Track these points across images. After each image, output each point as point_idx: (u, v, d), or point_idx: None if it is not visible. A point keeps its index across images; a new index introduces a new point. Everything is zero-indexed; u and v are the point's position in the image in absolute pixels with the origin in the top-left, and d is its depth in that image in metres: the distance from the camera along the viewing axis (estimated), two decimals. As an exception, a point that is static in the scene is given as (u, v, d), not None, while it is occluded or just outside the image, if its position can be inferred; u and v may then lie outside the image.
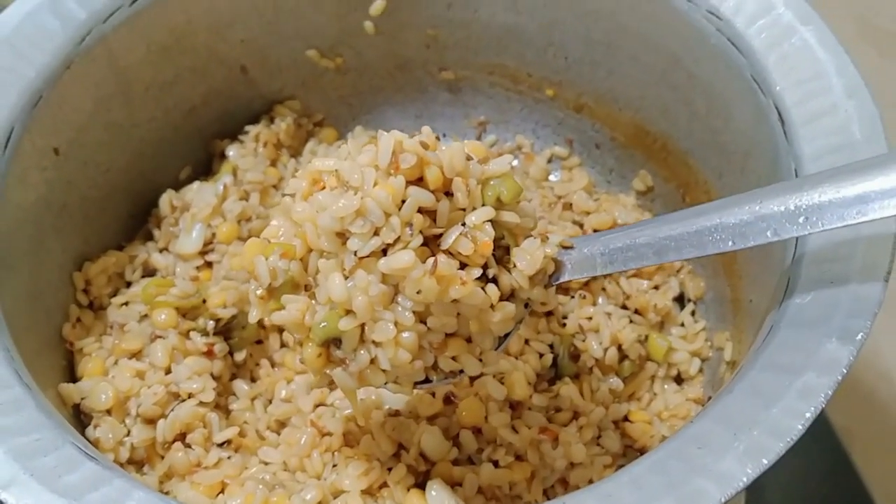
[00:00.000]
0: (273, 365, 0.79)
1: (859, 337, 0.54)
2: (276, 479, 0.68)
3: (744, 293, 0.75)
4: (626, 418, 0.76)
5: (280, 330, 0.80)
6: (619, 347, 0.76)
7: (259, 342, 0.79)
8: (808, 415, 0.52)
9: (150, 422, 0.70)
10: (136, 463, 0.70)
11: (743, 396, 0.54)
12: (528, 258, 0.55)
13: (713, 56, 0.74)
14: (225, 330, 0.76)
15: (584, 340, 0.75)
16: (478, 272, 0.54)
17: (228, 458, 0.70)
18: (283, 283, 0.56)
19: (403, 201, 0.53)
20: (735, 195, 0.56)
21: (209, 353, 0.73)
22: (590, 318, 0.76)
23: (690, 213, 0.57)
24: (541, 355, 0.72)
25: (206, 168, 0.90)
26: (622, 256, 0.58)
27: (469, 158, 0.55)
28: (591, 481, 0.70)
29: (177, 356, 0.73)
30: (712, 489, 0.50)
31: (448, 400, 0.70)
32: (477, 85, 0.93)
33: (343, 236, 0.54)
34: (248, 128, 0.90)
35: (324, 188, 0.55)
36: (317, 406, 0.74)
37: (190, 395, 0.71)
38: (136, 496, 0.53)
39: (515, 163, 0.93)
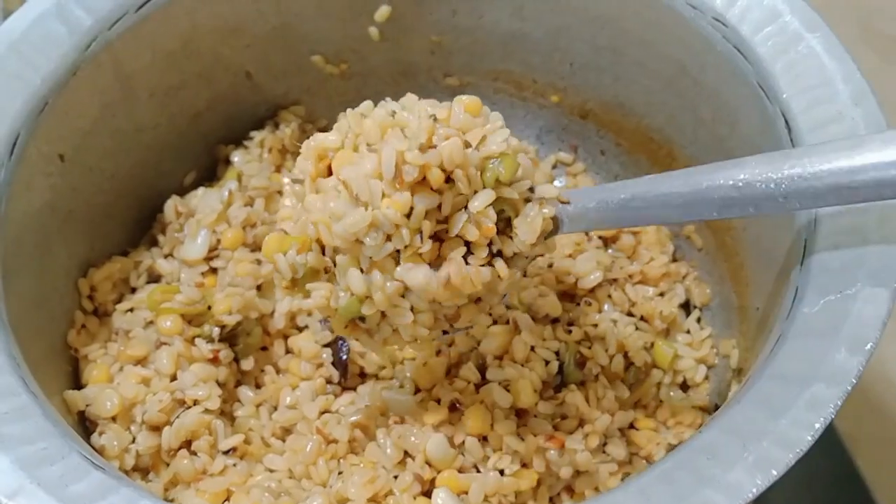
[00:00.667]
0: (278, 371, 0.79)
1: (868, 347, 0.54)
2: (282, 487, 0.68)
3: (750, 300, 0.75)
4: (631, 426, 0.76)
5: (285, 336, 0.80)
6: (625, 354, 0.76)
7: (264, 348, 0.79)
8: (817, 426, 0.52)
9: (156, 429, 0.70)
10: (142, 470, 0.70)
11: (751, 407, 0.54)
12: (528, 226, 0.58)
13: (719, 63, 0.74)
14: (230, 336, 0.76)
15: (589, 347, 0.74)
16: (484, 252, 0.58)
17: (234, 465, 0.70)
18: (304, 274, 0.60)
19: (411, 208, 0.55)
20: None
21: (215, 360, 0.73)
22: (595, 325, 0.76)
23: (692, 171, 0.58)
24: (546, 362, 0.72)
25: (210, 174, 0.90)
26: (614, 215, 0.60)
27: (467, 146, 0.56)
28: (596, 489, 0.70)
29: (182, 363, 0.72)
30: (721, 500, 0.50)
31: (453, 407, 0.70)
32: (481, 91, 0.93)
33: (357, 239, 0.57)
34: (252, 133, 0.89)
35: (329, 168, 0.59)
36: (322, 413, 0.74)
37: (195, 402, 0.71)
38: (142, 505, 0.53)
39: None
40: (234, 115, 0.90)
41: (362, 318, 0.60)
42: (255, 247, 0.81)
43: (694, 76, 0.77)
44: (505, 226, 0.59)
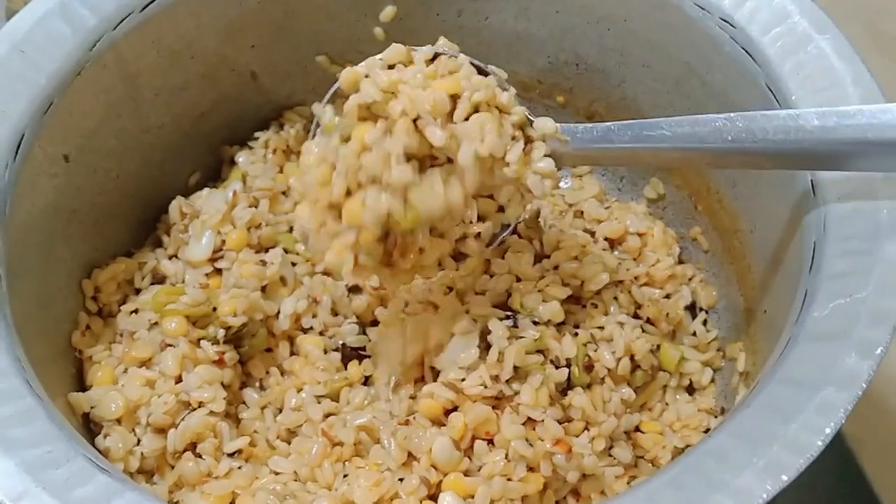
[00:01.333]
0: (283, 373, 0.78)
1: (878, 351, 0.54)
2: (287, 490, 0.67)
3: (757, 303, 0.75)
4: (637, 429, 0.76)
5: (290, 338, 0.80)
6: (632, 357, 0.75)
7: (269, 350, 0.79)
8: (827, 430, 0.51)
9: (161, 431, 0.69)
10: (146, 472, 0.70)
11: (761, 411, 0.54)
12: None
13: (727, 64, 0.73)
14: (235, 338, 0.75)
15: (596, 350, 0.74)
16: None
17: (239, 467, 0.69)
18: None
19: None
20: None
21: (220, 362, 0.73)
22: (601, 328, 0.76)
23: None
24: (556, 367, 0.72)
25: (215, 174, 0.90)
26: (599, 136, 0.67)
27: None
28: (602, 493, 0.70)
29: (187, 364, 0.72)
30: (731, 505, 0.49)
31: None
32: (487, 92, 0.92)
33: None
34: (257, 134, 0.89)
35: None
36: (327, 416, 0.73)
37: (200, 404, 0.70)
38: (148, 509, 0.53)
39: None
40: (239, 116, 0.89)
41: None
42: (260, 248, 0.81)
43: (701, 77, 0.77)
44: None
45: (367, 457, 0.70)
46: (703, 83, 0.77)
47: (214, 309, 0.75)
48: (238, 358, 0.75)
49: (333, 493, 0.67)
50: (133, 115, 0.80)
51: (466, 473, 0.67)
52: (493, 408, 0.68)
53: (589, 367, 0.73)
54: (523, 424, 0.68)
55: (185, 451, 0.69)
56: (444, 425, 0.68)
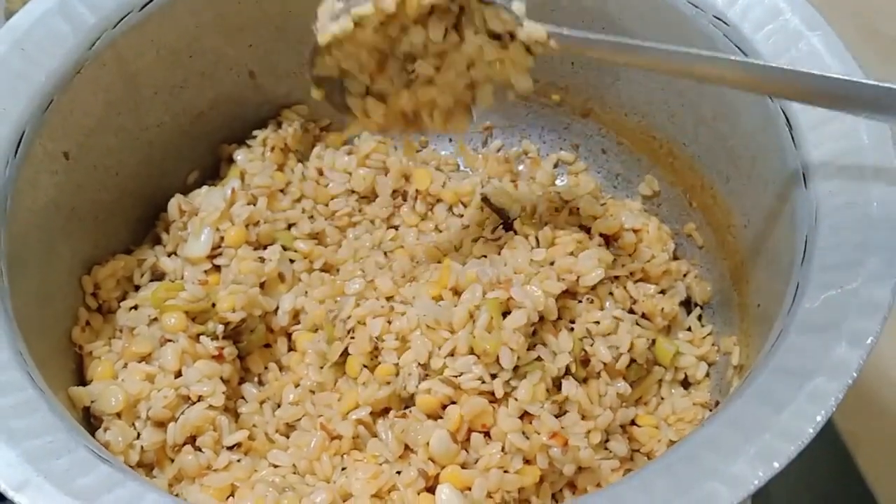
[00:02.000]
0: (281, 369, 0.79)
1: (869, 341, 0.54)
2: (286, 482, 0.68)
3: (751, 298, 0.76)
4: (633, 422, 0.76)
5: (288, 334, 0.80)
6: (627, 351, 0.76)
7: (267, 346, 0.80)
8: (818, 418, 0.52)
9: (160, 425, 0.70)
10: (146, 466, 0.70)
11: (753, 401, 0.54)
12: None
13: (720, 62, 0.74)
14: (234, 334, 0.76)
15: (591, 345, 0.75)
16: None
17: (238, 461, 0.70)
18: None
19: None
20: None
21: (219, 357, 0.73)
22: (597, 323, 0.76)
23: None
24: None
25: (213, 173, 0.90)
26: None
27: None
28: (598, 485, 0.70)
29: (186, 360, 0.73)
30: (724, 492, 0.50)
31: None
32: (482, 90, 0.93)
33: None
34: (255, 132, 0.90)
35: None
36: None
37: (200, 398, 0.71)
38: (149, 498, 0.53)
39: (522, 168, 0.94)
40: (238, 115, 0.90)
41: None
42: (258, 245, 0.82)
43: (695, 75, 0.78)
44: None
45: (365, 450, 0.70)
46: (697, 80, 0.78)
47: (213, 305, 0.76)
48: (237, 353, 0.76)
49: (332, 486, 0.68)
50: (132, 114, 0.81)
51: (463, 466, 0.68)
52: (490, 401, 0.69)
53: (585, 362, 0.74)
54: (520, 418, 0.69)
55: (184, 444, 0.70)
56: (440, 418, 0.69)
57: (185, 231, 0.82)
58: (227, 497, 0.67)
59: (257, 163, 0.87)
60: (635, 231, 0.84)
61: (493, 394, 0.69)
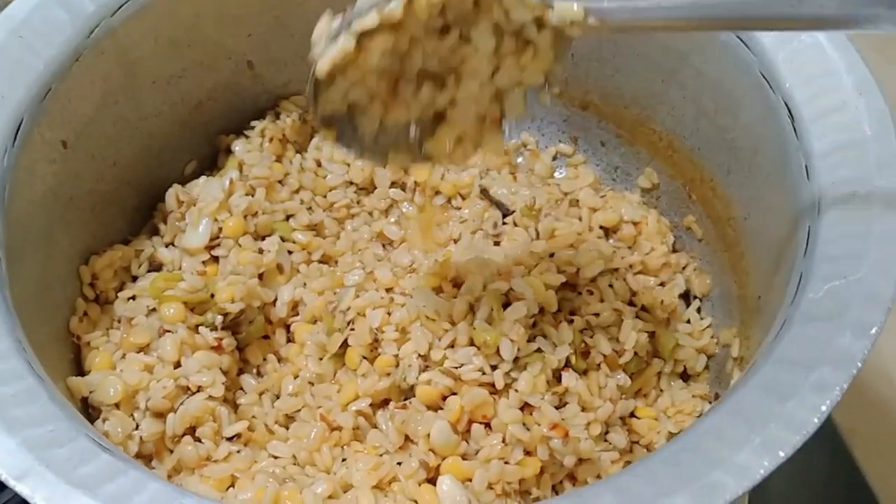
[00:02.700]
0: (280, 360, 0.79)
1: (873, 331, 0.54)
2: (286, 473, 0.68)
3: (751, 290, 0.76)
4: (632, 414, 0.76)
5: (286, 325, 0.80)
6: (628, 343, 0.76)
7: (266, 337, 0.79)
8: (823, 408, 0.52)
9: (160, 415, 0.70)
10: (145, 457, 0.70)
11: (757, 391, 0.54)
12: None
13: (721, 53, 0.74)
14: (232, 325, 0.76)
15: (591, 337, 0.75)
16: None
17: (238, 451, 0.70)
18: None
19: None
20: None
21: (218, 348, 0.73)
22: (597, 315, 0.76)
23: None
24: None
25: (211, 163, 0.90)
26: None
27: None
28: (598, 477, 0.71)
29: (185, 350, 0.72)
30: (729, 481, 0.50)
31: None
32: (482, 82, 0.93)
33: None
34: (254, 123, 0.89)
35: None
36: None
37: (199, 389, 0.71)
38: (151, 487, 0.53)
39: (520, 160, 0.94)
40: (236, 105, 0.90)
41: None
42: (257, 235, 0.81)
43: (696, 67, 0.78)
44: None
45: (366, 441, 0.70)
46: (697, 73, 0.78)
47: (212, 296, 0.75)
48: (236, 344, 0.76)
49: (332, 477, 0.67)
50: (130, 103, 0.80)
51: (464, 457, 0.68)
52: (490, 392, 0.69)
53: (585, 354, 0.74)
54: (520, 409, 0.69)
55: (184, 435, 0.70)
56: (441, 409, 0.69)
57: (183, 222, 0.82)
58: (227, 488, 0.67)
59: (255, 153, 0.86)
60: (635, 224, 0.84)
61: (493, 385, 0.69)
